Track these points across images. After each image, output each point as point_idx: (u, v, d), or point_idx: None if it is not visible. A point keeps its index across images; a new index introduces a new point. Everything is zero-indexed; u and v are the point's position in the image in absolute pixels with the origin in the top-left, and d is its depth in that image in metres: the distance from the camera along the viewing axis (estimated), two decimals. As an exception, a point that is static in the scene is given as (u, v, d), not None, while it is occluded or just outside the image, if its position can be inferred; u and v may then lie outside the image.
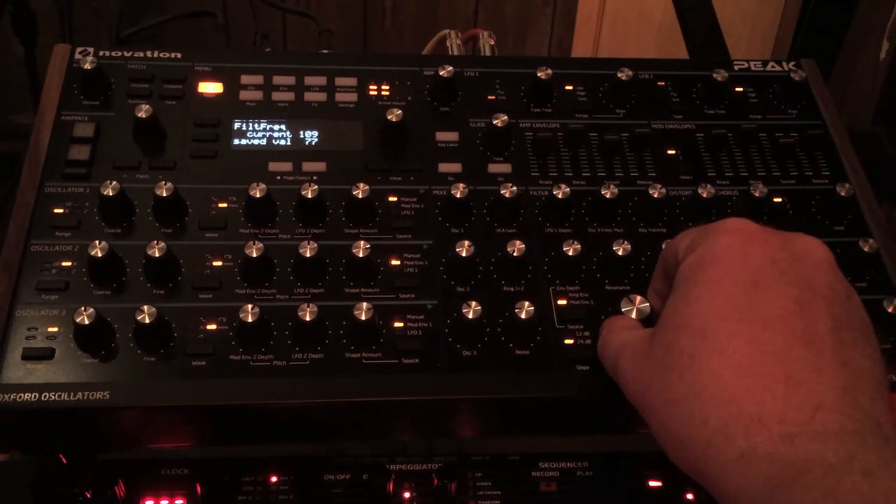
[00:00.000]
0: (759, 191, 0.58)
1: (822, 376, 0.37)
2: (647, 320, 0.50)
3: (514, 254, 0.53)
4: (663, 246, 0.50)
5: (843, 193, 0.59)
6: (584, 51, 1.90)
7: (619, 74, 0.63)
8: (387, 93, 0.63)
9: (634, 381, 0.43)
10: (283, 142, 0.59)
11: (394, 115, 0.59)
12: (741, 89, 0.66)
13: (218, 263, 0.53)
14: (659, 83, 0.65)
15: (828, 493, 0.33)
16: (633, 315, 0.50)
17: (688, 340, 0.40)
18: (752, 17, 1.77)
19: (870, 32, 1.32)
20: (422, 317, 0.53)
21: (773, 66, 0.68)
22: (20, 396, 0.47)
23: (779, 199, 0.60)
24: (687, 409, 0.39)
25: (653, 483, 0.59)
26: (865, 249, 0.56)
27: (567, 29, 1.89)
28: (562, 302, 0.54)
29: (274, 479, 0.57)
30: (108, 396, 0.48)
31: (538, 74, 0.62)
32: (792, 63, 0.67)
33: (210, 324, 0.51)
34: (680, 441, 0.39)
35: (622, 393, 0.46)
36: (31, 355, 0.48)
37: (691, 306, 0.41)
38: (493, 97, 0.63)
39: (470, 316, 0.51)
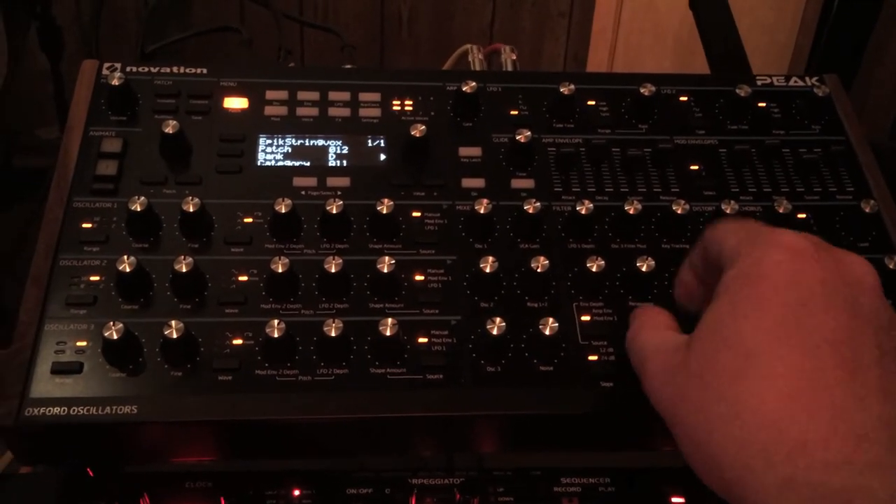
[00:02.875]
0: (782, 207, 0.58)
1: (867, 407, 0.37)
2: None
3: (538, 269, 0.53)
4: (705, 232, 0.48)
5: (867, 210, 0.59)
6: (599, 62, 1.90)
7: (642, 90, 0.63)
8: (410, 108, 0.63)
9: (665, 390, 0.42)
10: (307, 157, 0.60)
11: (417, 130, 0.59)
12: (764, 105, 0.65)
13: (244, 278, 0.54)
14: (681, 98, 0.65)
15: None
16: None
17: (731, 359, 0.39)
18: (769, 29, 1.77)
19: (888, 46, 1.31)
20: (446, 332, 0.53)
21: (795, 82, 0.67)
22: (49, 410, 0.47)
23: (803, 216, 0.59)
24: (724, 430, 0.38)
25: (675, 499, 0.59)
26: (891, 266, 0.56)
27: (583, 40, 1.90)
28: (585, 318, 0.54)
29: (297, 492, 0.57)
30: (135, 411, 0.48)
31: (561, 90, 0.62)
32: (815, 78, 0.67)
33: (236, 339, 0.51)
34: (714, 461, 0.38)
35: (648, 410, 0.46)
36: (59, 369, 0.49)
37: (737, 323, 0.40)
38: (516, 112, 0.64)
39: (494, 332, 0.51)
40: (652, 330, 0.47)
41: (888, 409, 0.37)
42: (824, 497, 0.34)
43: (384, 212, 0.55)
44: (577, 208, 0.57)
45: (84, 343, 0.50)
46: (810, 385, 0.37)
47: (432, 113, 0.63)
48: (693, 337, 0.42)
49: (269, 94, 0.62)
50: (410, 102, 0.63)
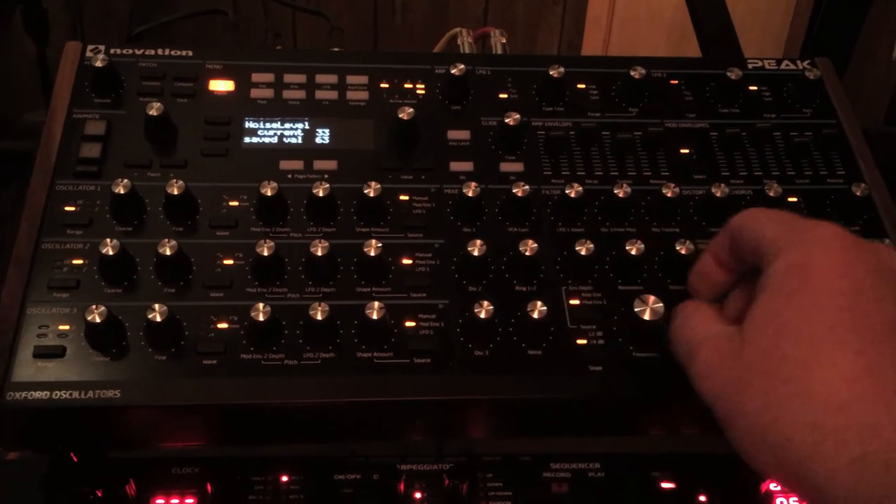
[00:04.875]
0: (773, 190, 0.58)
1: None
2: (661, 320, 0.49)
3: (527, 253, 0.53)
4: (734, 222, 0.47)
5: (858, 193, 0.58)
6: (594, 49, 1.89)
7: (632, 73, 0.62)
8: (398, 91, 0.62)
9: (720, 379, 0.43)
10: (294, 140, 0.59)
11: (405, 113, 0.59)
12: (755, 88, 0.65)
13: (229, 262, 0.53)
14: (672, 82, 0.65)
15: None
16: (646, 315, 0.49)
17: (794, 347, 0.40)
18: (763, 14, 1.76)
19: (883, 32, 1.31)
20: (433, 316, 0.52)
21: (787, 65, 0.67)
22: (31, 394, 0.47)
23: (793, 199, 0.59)
24: (792, 414, 0.39)
25: (665, 484, 0.58)
26: (882, 250, 0.56)
27: (577, 27, 1.89)
28: (574, 302, 0.54)
29: (285, 478, 0.57)
30: (118, 395, 0.47)
31: (550, 73, 0.62)
32: (806, 62, 0.67)
33: (221, 322, 0.51)
34: (779, 444, 0.39)
35: (637, 395, 0.46)
36: (42, 353, 0.48)
37: (795, 313, 0.41)
38: (505, 96, 0.63)
39: (482, 316, 0.50)
40: (698, 321, 0.47)
41: None
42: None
43: (371, 195, 0.55)
44: (567, 192, 0.56)
45: (67, 327, 0.49)
46: (874, 369, 0.38)
47: (421, 96, 0.62)
48: (746, 327, 0.42)
49: (256, 77, 0.62)
50: (398, 85, 0.63)
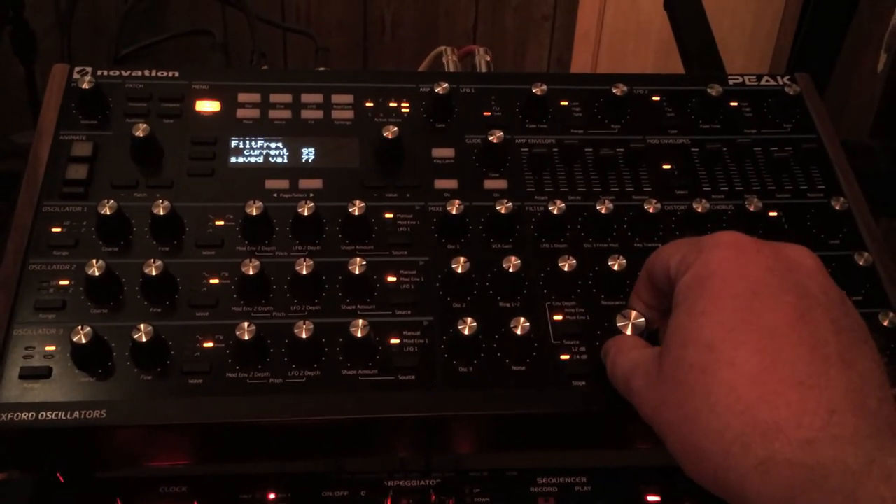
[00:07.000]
0: (753, 205, 0.58)
1: (832, 380, 0.38)
2: (644, 335, 0.50)
3: (510, 269, 0.53)
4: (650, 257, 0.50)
5: (837, 207, 0.59)
6: (583, 64, 1.90)
7: (614, 90, 0.63)
8: (383, 110, 0.63)
9: (648, 400, 0.44)
10: (279, 159, 0.60)
11: (390, 131, 0.59)
12: (736, 104, 0.66)
13: (215, 281, 0.53)
14: (654, 98, 0.66)
15: (848, 497, 0.33)
16: (629, 330, 0.50)
17: (696, 354, 0.40)
18: (750, 29, 1.77)
19: (867, 44, 1.32)
20: (418, 333, 0.53)
21: (767, 81, 0.68)
22: (17, 415, 0.47)
23: (774, 213, 0.60)
24: (703, 423, 0.39)
25: (651, 497, 0.59)
26: (860, 263, 0.57)
27: (566, 43, 1.90)
28: (557, 317, 0.54)
29: (272, 496, 0.57)
30: (104, 415, 0.48)
31: (533, 90, 0.63)
32: (786, 77, 0.68)
33: (207, 342, 0.51)
34: (698, 455, 0.39)
35: (621, 408, 0.46)
36: (28, 374, 0.49)
37: (696, 321, 0.41)
38: (489, 113, 0.64)
39: (466, 332, 0.51)
40: (626, 353, 0.48)
41: (852, 376, 0.38)
42: (801, 474, 0.35)
43: (356, 213, 0.55)
44: (550, 208, 0.57)
45: (53, 348, 0.50)
46: (774, 366, 0.38)
47: (405, 114, 0.63)
48: (662, 345, 0.44)
49: (242, 97, 0.62)
50: (383, 104, 0.63)
